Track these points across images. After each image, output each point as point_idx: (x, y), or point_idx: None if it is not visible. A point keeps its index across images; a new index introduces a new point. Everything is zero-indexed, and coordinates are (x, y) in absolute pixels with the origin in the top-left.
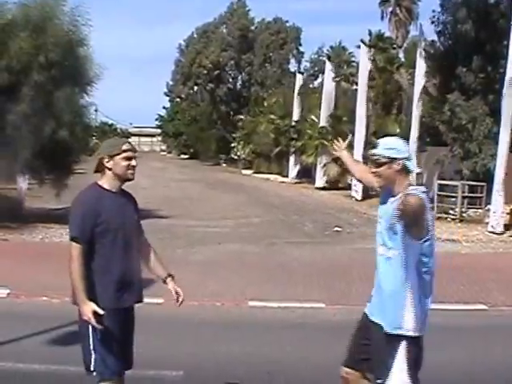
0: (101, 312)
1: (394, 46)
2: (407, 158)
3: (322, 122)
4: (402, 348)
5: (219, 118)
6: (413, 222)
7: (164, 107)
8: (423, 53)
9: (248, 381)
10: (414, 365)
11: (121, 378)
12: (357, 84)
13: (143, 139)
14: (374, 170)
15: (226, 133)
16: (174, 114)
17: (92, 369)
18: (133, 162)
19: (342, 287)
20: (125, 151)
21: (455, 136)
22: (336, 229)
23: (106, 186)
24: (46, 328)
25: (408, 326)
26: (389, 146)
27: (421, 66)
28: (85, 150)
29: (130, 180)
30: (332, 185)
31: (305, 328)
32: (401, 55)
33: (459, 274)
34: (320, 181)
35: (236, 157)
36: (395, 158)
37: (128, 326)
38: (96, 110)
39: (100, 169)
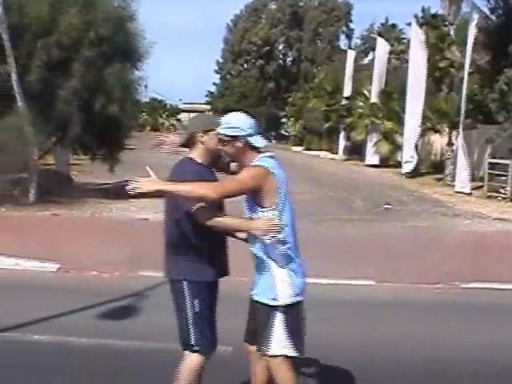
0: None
1: (446, 23)
2: (249, 135)
3: (373, 99)
4: (278, 317)
5: (269, 95)
6: (250, 191)
7: (214, 83)
8: (475, 29)
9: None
10: (293, 331)
11: (215, 349)
12: (407, 61)
13: (193, 115)
14: (220, 147)
15: (275, 109)
16: (224, 90)
17: (193, 343)
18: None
19: (391, 265)
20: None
21: (507, 114)
22: (386, 206)
23: (198, 160)
24: (96, 302)
25: (278, 296)
26: (230, 124)
27: (472, 42)
28: (135, 125)
29: (219, 156)
30: (382, 162)
31: (354, 305)
32: (452, 32)
33: (509, 252)
34: (370, 158)
35: (286, 133)
36: (236, 136)
37: (216, 298)
38: (146, 86)
39: (190, 143)
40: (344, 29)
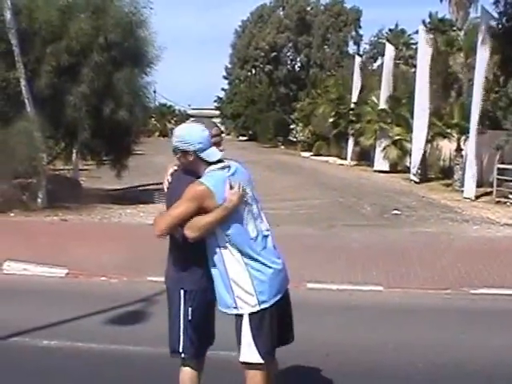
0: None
1: (454, 28)
2: (200, 150)
3: (382, 104)
4: (245, 322)
5: (278, 100)
6: (194, 213)
7: (223, 89)
8: (484, 34)
9: (306, 362)
10: (262, 335)
11: (203, 358)
12: (415, 66)
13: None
14: (176, 158)
15: (284, 114)
16: (233, 95)
17: (180, 350)
18: (220, 147)
19: (400, 270)
20: (213, 136)
21: None
22: (395, 212)
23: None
24: (104, 308)
25: (246, 305)
26: (180, 138)
27: (481, 47)
28: (144, 131)
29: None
30: (391, 167)
31: (363, 311)
32: (460, 38)
33: None
34: (379, 163)
35: (294, 139)
36: (187, 151)
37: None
38: (154, 92)
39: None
40: (353, 34)
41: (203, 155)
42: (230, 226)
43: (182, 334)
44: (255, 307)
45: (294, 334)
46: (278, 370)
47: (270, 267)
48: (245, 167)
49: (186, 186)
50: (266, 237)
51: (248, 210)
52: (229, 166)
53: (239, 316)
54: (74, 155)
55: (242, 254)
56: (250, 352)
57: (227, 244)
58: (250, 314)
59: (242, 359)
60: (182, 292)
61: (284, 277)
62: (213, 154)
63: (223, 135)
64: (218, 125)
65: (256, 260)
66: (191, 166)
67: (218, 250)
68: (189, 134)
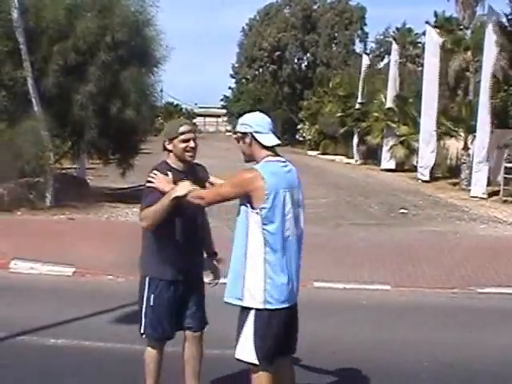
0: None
1: (461, 27)
2: (257, 132)
3: (389, 103)
4: (250, 319)
5: (284, 99)
6: (238, 196)
7: (230, 88)
8: (492, 33)
9: (312, 360)
10: (263, 337)
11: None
12: (423, 65)
13: (208, 119)
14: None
15: (291, 113)
16: (240, 94)
17: (142, 331)
18: (191, 144)
19: (407, 269)
20: (182, 133)
21: None
22: (402, 210)
23: (173, 165)
24: (111, 306)
25: (251, 299)
26: (241, 121)
27: (488, 45)
28: (150, 130)
29: (187, 162)
30: (397, 166)
31: (370, 310)
32: (467, 37)
33: None
34: (386, 162)
35: (301, 138)
36: (245, 133)
37: (183, 297)
38: (161, 91)
39: (165, 149)
40: (359, 32)
41: (259, 137)
42: (271, 221)
43: (143, 316)
44: (261, 305)
45: (296, 347)
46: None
47: (285, 274)
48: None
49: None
50: (296, 243)
51: (292, 210)
52: (287, 163)
53: (245, 310)
54: (81, 154)
55: (267, 250)
56: (247, 350)
57: (258, 235)
58: (258, 311)
59: (237, 355)
60: (147, 279)
61: (294, 289)
62: (269, 138)
63: (230, 133)
64: (225, 123)
65: (277, 261)
66: (249, 151)
67: (245, 237)
68: (248, 117)
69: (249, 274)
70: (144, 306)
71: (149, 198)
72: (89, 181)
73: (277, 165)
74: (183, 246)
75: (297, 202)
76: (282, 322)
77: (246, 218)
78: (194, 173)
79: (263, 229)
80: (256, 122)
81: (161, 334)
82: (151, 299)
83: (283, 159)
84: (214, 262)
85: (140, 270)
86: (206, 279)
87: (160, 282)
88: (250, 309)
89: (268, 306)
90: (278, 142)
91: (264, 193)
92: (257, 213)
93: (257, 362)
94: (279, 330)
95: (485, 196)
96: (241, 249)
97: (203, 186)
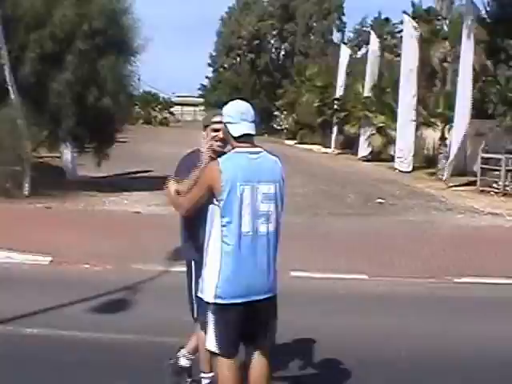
0: None
1: (439, 17)
2: (229, 122)
3: (366, 93)
4: (208, 311)
5: (262, 88)
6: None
7: (207, 77)
8: (470, 22)
9: (289, 349)
10: (219, 329)
11: None
12: (400, 55)
13: (186, 108)
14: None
15: (268, 103)
16: (217, 83)
17: (195, 316)
18: (220, 134)
19: (384, 259)
20: (214, 123)
21: (506, 108)
22: (379, 200)
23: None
24: (88, 296)
25: (205, 292)
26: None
27: (466, 36)
28: (128, 119)
29: (216, 151)
30: (375, 156)
31: (347, 299)
32: (445, 27)
33: (502, 247)
34: (363, 152)
35: (278, 127)
36: (222, 122)
37: None
38: (139, 79)
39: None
40: (337, 22)
41: (230, 127)
42: (227, 215)
43: (194, 302)
44: (212, 299)
45: (268, 339)
46: (267, 373)
47: (241, 269)
48: (278, 163)
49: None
50: (260, 239)
51: (251, 204)
52: (259, 155)
53: (204, 301)
54: (61, 143)
55: (223, 244)
56: (208, 338)
57: (218, 227)
58: (211, 304)
59: (206, 345)
60: (193, 263)
61: (257, 285)
62: (238, 128)
63: None
64: (203, 112)
65: (232, 256)
66: (227, 141)
67: (210, 226)
68: (226, 107)
69: (208, 265)
70: (193, 291)
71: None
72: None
73: (243, 156)
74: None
75: (267, 197)
76: (237, 316)
77: (212, 208)
78: None
79: (221, 221)
80: (227, 112)
81: None
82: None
83: (256, 150)
84: None
85: (184, 254)
86: None
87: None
88: (208, 302)
89: (218, 301)
90: (247, 131)
91: (220, 185)
92: (218, 205)
93: (218, 352)
94: (235, 324)
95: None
96: (207, 236)
97: None
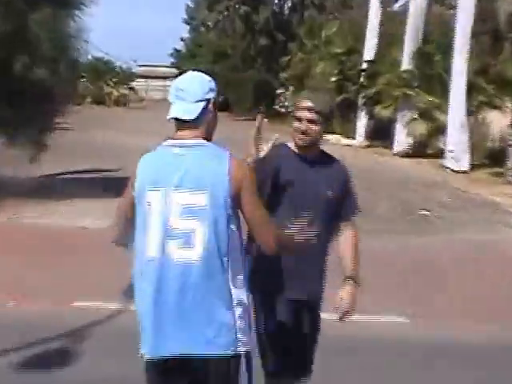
0: None
1: None
2: (171, 102)
3: (406, 62)
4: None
5: (259, 55)
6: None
7: (182, 39)
8: None
9: None
10: None
11: None
12: (455, 8)
13: (153, 82)
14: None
15: (268, 75)
16: (197, 47)
17: None
18: (302, 126)
19: (430, 296)
20: (298, 109)
21: None
22: (422, 212)
23: (294, 149)
24: (10, 346)
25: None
26: None
27: None
28: (71, 96)
29: (298, 146)
30: (417, 150)
31: (377, 349)
32: None
33: None
34: (401, 144)
35: (283, 109)
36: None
37: None
38: (87, 41)
39: None
40: None
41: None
42: (137, 230)
43: None
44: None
45: None
46: None
47: (145, 312)
48: (226, 163)
49: None
50: (173, 270)
51: (161, 218)
52: (188, 146)
53: None
54: None
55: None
56: None
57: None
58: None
59: None
60: None
61: (169, 340)
62: (169, 110)
63: None
64: None
65: (138, 291)
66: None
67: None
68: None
69: None
70: None
71: None
72: None
73: (167, 152)
74: None
75: (190, 211)
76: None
77: None
78: (327, 167)
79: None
80: (172, 88)
81: None
82: None
83: (188, 142)
84: None
85: None
86: None
87: None
88: None
89: (145, 356)
90: (175, 114)
91: (130, 194)
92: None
93: None
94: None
95: None
96: None
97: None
